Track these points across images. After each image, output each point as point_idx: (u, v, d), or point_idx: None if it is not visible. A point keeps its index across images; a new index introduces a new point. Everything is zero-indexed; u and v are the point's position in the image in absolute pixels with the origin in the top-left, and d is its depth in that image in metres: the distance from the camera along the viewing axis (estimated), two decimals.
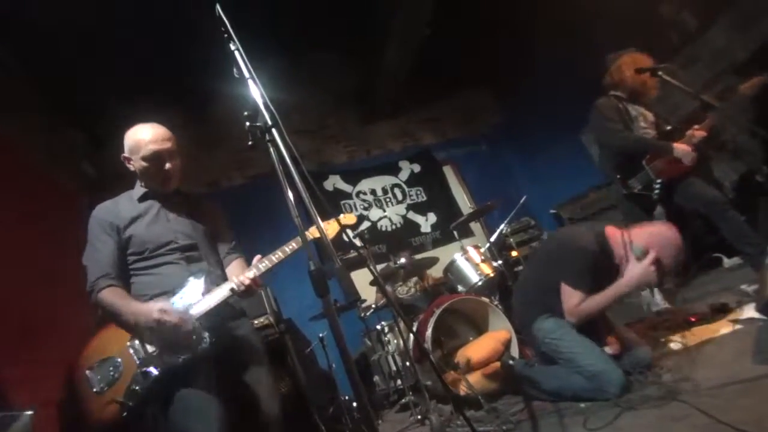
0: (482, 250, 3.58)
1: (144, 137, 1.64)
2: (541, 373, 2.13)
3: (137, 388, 1.41)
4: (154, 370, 1.42)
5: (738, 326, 1.95)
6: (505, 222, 4.01)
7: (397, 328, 3.16)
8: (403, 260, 3.27)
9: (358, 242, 3.22)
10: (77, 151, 4.03)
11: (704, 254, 3.09)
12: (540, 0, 4.51)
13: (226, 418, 1.40)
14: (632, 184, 2.83)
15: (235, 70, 1.36)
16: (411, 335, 2.93)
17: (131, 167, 1.70)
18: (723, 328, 2.01)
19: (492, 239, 3.80)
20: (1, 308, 2.29)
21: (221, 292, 1.55)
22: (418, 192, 5.48)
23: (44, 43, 3.18)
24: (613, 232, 1.99)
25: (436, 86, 5.83)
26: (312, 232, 1.63)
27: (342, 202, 5.09)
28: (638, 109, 2.95)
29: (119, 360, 1.46)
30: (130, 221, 1.62)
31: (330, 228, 1.83)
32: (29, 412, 1.68)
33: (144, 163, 1.63)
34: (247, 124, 1.28)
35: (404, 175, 5.53)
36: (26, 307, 2.44)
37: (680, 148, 2.66)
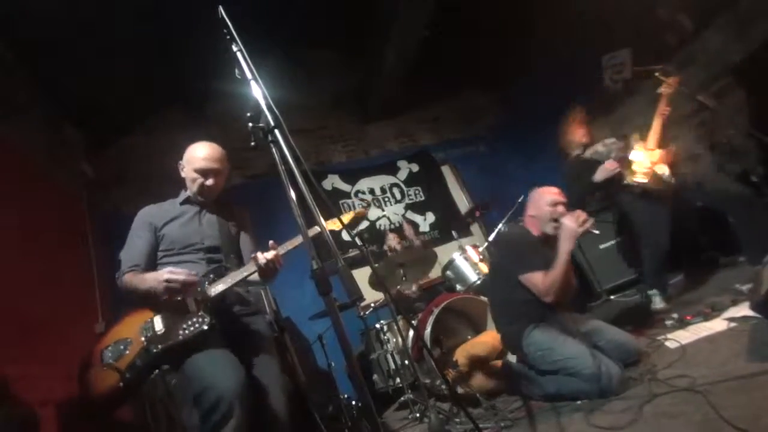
0: (480, 249, 3.60)
1: (198, 154, 1.87)
2: (540, 376, 2.15)
3: (138, 362, 1.53)
4: (155, 348, 1.54)
5: (733, 324, 1.98)
6: (503, 221, 4.03)
7: (396, 327, 3.17)
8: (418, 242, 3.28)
9: (357, 241, 3.23)
10: (76, 151, 4.02)
11: (700, 254, 3.12)
12: (538, 1, 4.53)
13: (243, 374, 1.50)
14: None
15: (236, 70, 1.37)
16: (410, 334, 2.95)
17: (182, 173, 1.92)
18: (718, 326, 2.04)
19: (490, 238, 3.82)
20: (0, 307, 2.29)
21: (244, 270, 1.69)
22: (417, 192, 5.50)
23: (44, 42, 3.18)
24: (526, 221, 2.35)
25: (435, 86, 5.85)
26: (328, 224, 1.77)
27: (341, 201, 5.10)
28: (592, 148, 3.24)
29: (130, 339, 1.59)
30: (167, 221, 1.83)
31: (335, 223, 1.93)
32: None
33: (191, 174, 1.87)
34: (250, 125, 1.29)
35: (403, 174, 5.55)
36: (25, 307, 2.44)
37: (602, 169, 2.93)
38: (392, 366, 3.24)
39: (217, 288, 1.66)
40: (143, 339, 1.57)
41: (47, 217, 3.09)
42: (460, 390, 2.47)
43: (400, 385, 3.02)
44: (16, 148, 3.01)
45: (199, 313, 1.58)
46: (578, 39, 4.27)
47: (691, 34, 3.80)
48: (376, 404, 3.37)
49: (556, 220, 2.19)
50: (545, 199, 2.27)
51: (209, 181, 1.86)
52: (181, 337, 1.54)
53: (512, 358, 2.42)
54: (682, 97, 2.88)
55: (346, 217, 2.03)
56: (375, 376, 3.47)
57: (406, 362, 2.99)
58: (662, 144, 2.85)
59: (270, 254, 1.63)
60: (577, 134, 3.29)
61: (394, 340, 3.27)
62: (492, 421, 2.07)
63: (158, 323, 1.59)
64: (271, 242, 1.69)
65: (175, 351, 1.53)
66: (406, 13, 4.07)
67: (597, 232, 2.22)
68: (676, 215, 2.82)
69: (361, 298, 1.23)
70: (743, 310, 2.03)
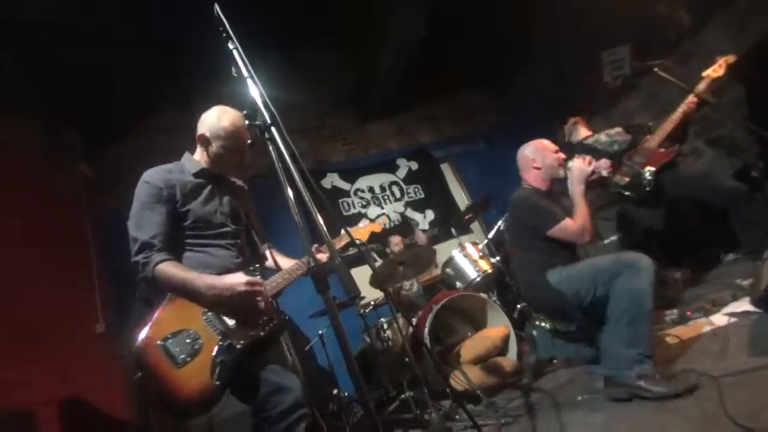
0: (480, 246, 3.59)
1: (238, 122, 1.64)
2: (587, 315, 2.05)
3: (224, 359, 1.39)
4: (237, 343, 1.43)
5: (734, 319, 1.97)
6: (503, 219, 4.02)
7: (396, 325, 3.17)
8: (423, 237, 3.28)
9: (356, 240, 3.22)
10: (75, 152, 4.02)
11: (701, 250, 3.11)
12: None
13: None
14: (617, 181, 2.82)
15: (233, 69, 1.37)
16: (409, 331, 2.95)
17: (204, 148, 1.71)
18: (719, 321, 2.03)
19: (490, 236, 3.81)
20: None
21: (297, 268, 1.66)
22: (416, 189, 5.49)
23: (42, 44, 3.17)
24: (529, 179, 2.35)
25: (434, 84, 5.84)
26: (354, 232, 1.83)
27: (340, 200, 5.10)
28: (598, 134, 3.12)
29: (194, 331, 1.41)
30: (187, 194, 1.60)
31: (363, 231, 2.05)
32: None
33: (234, 144, 1.66)
34: (246, 123, 1.29)
35: (402, 172, 5.54)
36: (25, 308, 2.44)
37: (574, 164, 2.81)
38: (392, 364, 3.24)
39: (273, 285, 1.62)
40: (216, 333, 1.43)
41: (46, 218, 3.09)
42: (460, 387, 2.47)
43: (401, 382, 3.02)
44: (15, 149, 3.01)
45: (270, 310, 1.56)
46: (577, 36, 4.26)
47: (690, 30, 3.79)
48: (376, 402, 3.38)
49: (563, 164, 2.25)
50: (548, 148, 2.33)
51: (248, 155, 1.70)
52: (262, 333, 1.49)
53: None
54: (681, 91, 2.79)
55: (364, 231, 2.06)
56: (375, 374, 3.47)
57: (407, 360, 2.99)
58: (667, 142, 2.74)
59: (324, 257, 1.61)
60: (579, 134, 3.23)
61: (394, 337, 3.27)
62: (492, 417, 2.07)
63: (225, 316, 1.48)
64: (315, 246, 1.62)
65: (252, 347, 1.47)
66: (405, 11, 4.06)
67: (605, 173, 2.31)
68: (673, 213, 2.81)
69: (359, 295, 1.22)
70: (744, 305, 2.02)
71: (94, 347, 3.10)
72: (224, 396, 1.39)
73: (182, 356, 1.35)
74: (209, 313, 1.47)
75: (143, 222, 1.51)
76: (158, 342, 1.36)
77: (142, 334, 1.37)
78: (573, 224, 2.07)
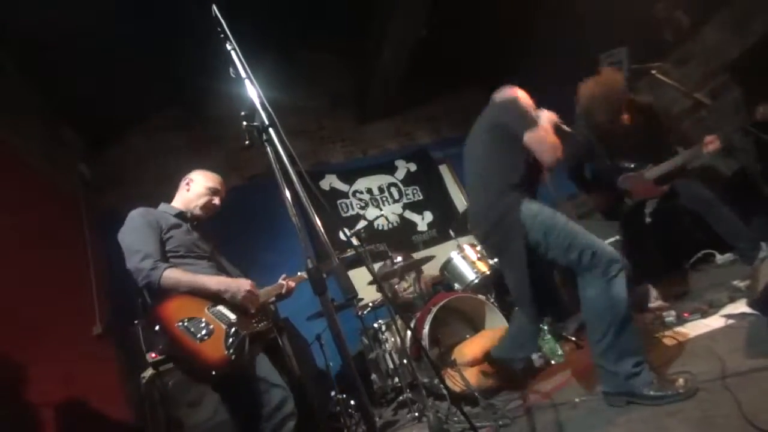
0: (478, 248, 3.59)
1: (211, 175, 2.19)
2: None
3: (233, 339, 1.69)
4: (242, 331, 1.74)
5: (730, 321, 1.98)
6: None
7: (394, 326, 3.17)
8: (400, 258, 3.28)
9: (355, 241, 3.23)
10: (74, 152, 4.02)
11: (696, 251, 3.12)
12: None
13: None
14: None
15: (231, 70, 1.37)
16: (408, 333, 2.95)
17: (187, 188, 2.15)
18: (716, 323, 2.04)
19: None
20: None
21: (273, 290, 2.13)
22: (415, 191, 5.50)
23: (41, 45, 3.17)
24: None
25: (433, 85, 5.85)
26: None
27: (338, 201, 5.10)
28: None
29: (203, 319, 1.71)
30: (170, 227, 1.95)
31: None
32: None
33: (203, 190, 2.13)
34: (244, 123, 1.29)
35: (401, 174, 5.55)
36: (22, 309, 2.44)
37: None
38: (390, 365, 3.24)
39: (261, 297, 1.98)
40: (222, 322, 1.73)
41: (44, 218, 3.08)
42: (457, 389, 2.47)
43: (399, 384, 3.02)
44: (14, 150, 3.01)
45: (259, 313, 1.93)
46: (576, 37, 4.27)
47: (688, 32, 3.80)
48: (374, 404, 3.37)
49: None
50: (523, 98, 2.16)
51: (216, 200, 2.15)
52: (258, 327, 1.83)
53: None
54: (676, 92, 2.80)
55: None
56: (373, 376, 3.46)
57: (405, 361, 2.99)
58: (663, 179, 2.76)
59: (292, 283, 2.16)
60: (620, 107, 2.74)
61: (393, 339, 3.27)
62: (490, 419, 2.07)
63: (226, 311, 1.79)
64: (283, 276, 2.22)
65: (251, 343, 1.76)
66: (405, 12, 4.06)
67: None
68: (671, 211, 2.83)
69: (357, 297, 1.27)
70: (741, 307, 2.03)
71: (91, 348, 3.09)
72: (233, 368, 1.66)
73: (200, 334, 1.64)
74: (214, 307, 1.78)
75: (143, 238, 1.83)
76: (177, 323, 1.63)
77: (160, 318, 1.64)
78: (549, 134, 1.84)
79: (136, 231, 1.86)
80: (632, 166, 2.83)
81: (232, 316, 1.78)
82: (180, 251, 1.92)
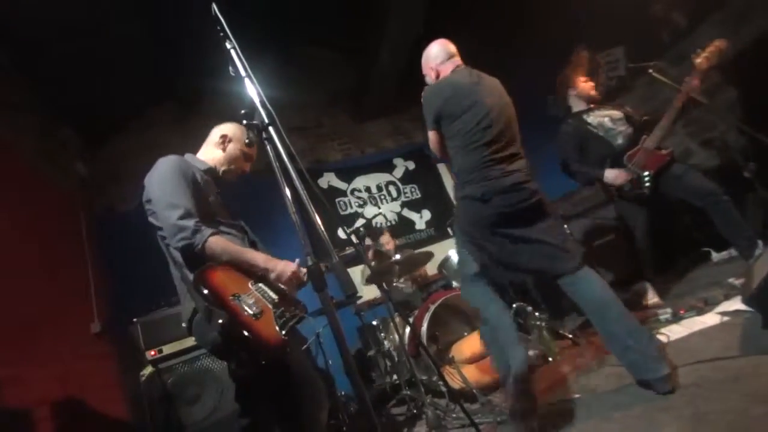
0: None
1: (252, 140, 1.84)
2: None
3: (284, 320, 1.51)
4: (287, 313, 1.54)
5: (726, 318, 2.00)
6: None
7: (392, 324, 3.18)
8: (398, 256, 3.29)
9: (353, 239, 3.23)
10: (71, 150, 4.00)
11: (693, 249, 3.14)
12: None
13: None
14: (625, 187, 2.84)
15: (230, 68, 1.37)
16: (406, 331, 2.96)
17: (220, 147, 1.86)
18: (711, 320, 2.06)
19: None
20: None
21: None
22: (413, 189, 5.50)
23: (38, 42, 3.16)
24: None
25: None
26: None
27: (337, 199, 5.10)
28: (600, 113, 3.01)
29: (253, 297, 1.51)
30: (203, 184, 1.70)
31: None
32: None
33: (240, 152, 1.86)
34: (244, 122, 1.30)
35: (399, 172, 5.55)
36: (20, 307, 2.43)
37: (610, 174, 2.81)
38: (389, 363, 3.25)
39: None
40: (267, 301, 1.54)
41: (42, 216, 3.07)
42: (456, 386, 2.48)
43: (398, 381, 3.03)
44: (11, 147, 3.00)
45: (293, 298, 1.69)
46: (573, 37, 4.28)
47: (684, 32, 3.82)
48: (373, 401, 3.39)
49: None
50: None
51: (248, 168, 1.92)
52: (296, 312, 1.59)
53: None
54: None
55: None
56: (372, 373, 3.48)
57: (403, 359, 3.00)
58: (664, 142, 2.73)
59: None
60: (583, 84, 3.12)
61: (391, 336, 3.28)
62: (489, 416, 2.08)
63: (269, 290, 1.59)
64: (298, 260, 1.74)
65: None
66: (403, 11, 4.07)
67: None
68: (668, 211, 2.83)
69: (356, 293, 1.26)
70: (736, 304, 2.05)
71: (90, 346, 3.09)
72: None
73: (254, 311, 1.43)
74: (259, 284, 1.57)
75: (181, 191, 1.56)
76: (230, 296, 1.42)
77: (213, 288, 1.42)
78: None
79: (170, 181, 1.58)
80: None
81: (275, 296, 1.59)
82: (212, 215, 1.68)
